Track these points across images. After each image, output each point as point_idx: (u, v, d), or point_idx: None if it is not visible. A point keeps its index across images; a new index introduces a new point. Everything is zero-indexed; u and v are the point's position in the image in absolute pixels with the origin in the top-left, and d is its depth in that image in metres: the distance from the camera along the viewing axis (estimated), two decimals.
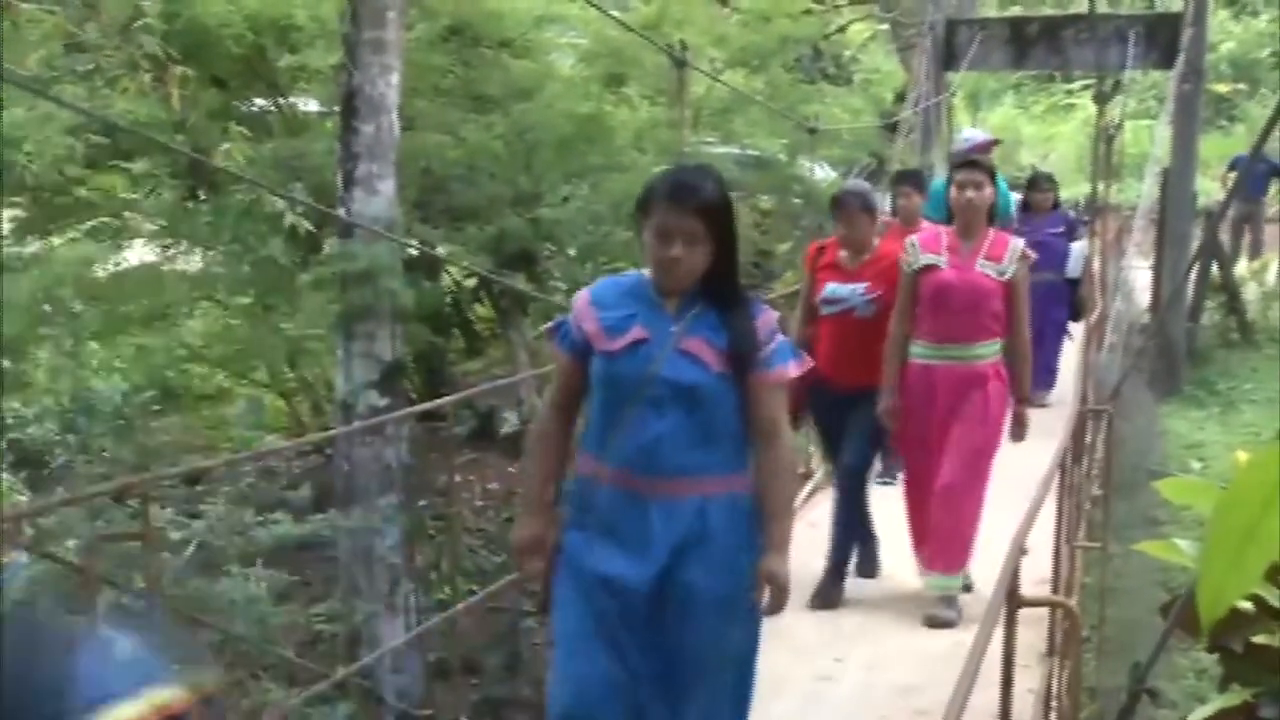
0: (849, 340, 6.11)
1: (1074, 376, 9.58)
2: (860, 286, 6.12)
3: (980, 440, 5.76)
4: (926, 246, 5.84)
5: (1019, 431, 5.89)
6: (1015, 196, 10.32)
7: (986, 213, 5.80)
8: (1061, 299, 10.46)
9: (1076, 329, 10.72)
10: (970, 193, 5.74)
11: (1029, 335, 5.87)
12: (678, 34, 9.65)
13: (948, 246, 5.80)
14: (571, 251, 11.26)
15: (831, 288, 6.20)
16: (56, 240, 10.48)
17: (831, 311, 6.22)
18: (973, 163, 6.02)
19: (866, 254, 6.18)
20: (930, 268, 5.76)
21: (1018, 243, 5.85)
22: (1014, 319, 5.76)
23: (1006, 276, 5.71)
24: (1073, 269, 10.49)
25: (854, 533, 6.28)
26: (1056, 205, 10.84)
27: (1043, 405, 9.35)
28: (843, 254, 6.26)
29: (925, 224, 7.49)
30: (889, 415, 5.90)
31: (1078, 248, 10.54)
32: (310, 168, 9.54)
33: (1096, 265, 11.21)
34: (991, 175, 5.86)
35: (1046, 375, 10.15)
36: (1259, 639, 3.05)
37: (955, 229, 5.86)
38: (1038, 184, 10.92)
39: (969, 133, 10.64)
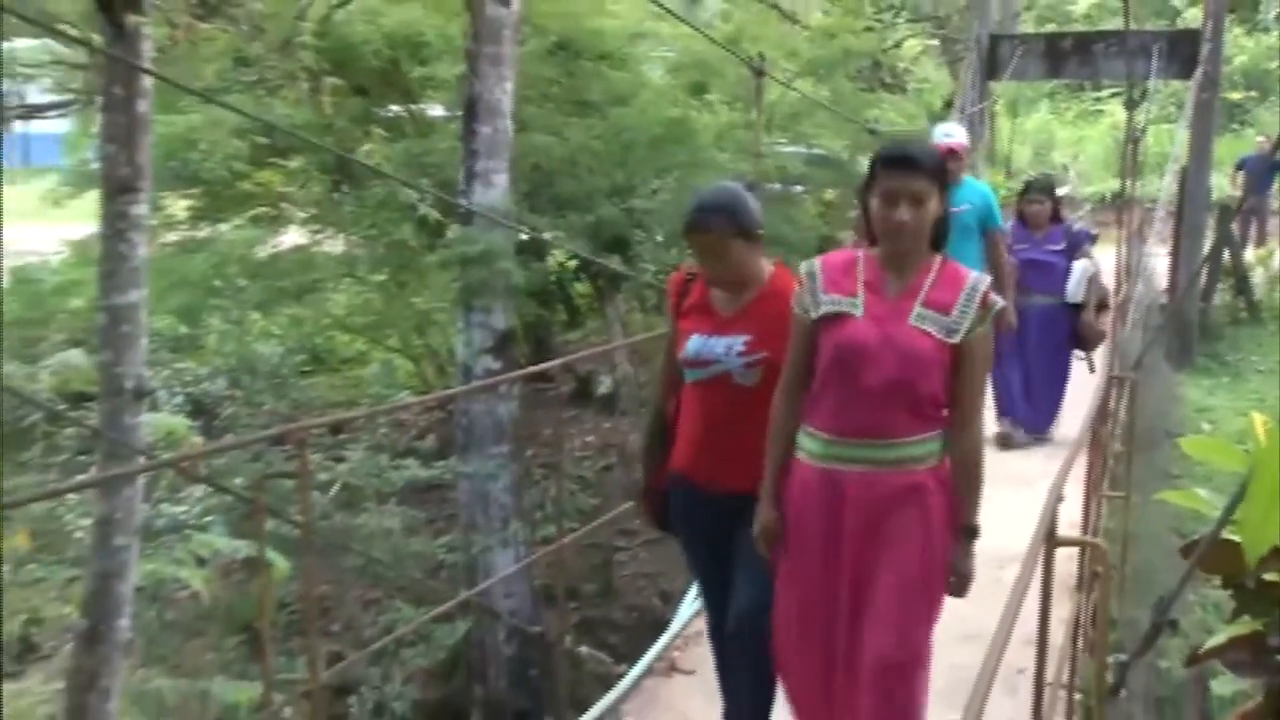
0: (724, 420, 3.51)
1: (1083, 414, 7.25)
2: (737, 341, 3.46)
3: (919, 593, 3.16)
4: (833, 281, 3.17)
5: (959, 581, 3.21)
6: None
7: (930, 235, 3.15)
8: (1061, 326, 7.90)
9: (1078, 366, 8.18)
10: (904, 213, 3.06)
11: (982, 431, 3.26)
12: (754, 48, 9.57)
13: (866, 282, 3.15)
14: (659, 237, 11.24)
15: (696, 342, 3.53)
16: (225, 226, 10.67)
17: (698, 377, 3.55)
18: (909, 160, 3.10)
19: (750, 291, 3.53)
20: (837, 317, 3.13)
21: (978, 281, 3.15)
22: (963, 403, 3.15)
23: (957, 337, 3.07)
24: (1073, 293, 7.83)
25: (769, 695, 3.56)
26: (1057, 217, 7.94)
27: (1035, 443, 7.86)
28: (715, 292, 3.59)
29: None
30: (766, 538, 3.31)
31: (1080, 267, 7.86)
32: (436, 164, 9.61)
33: (1112, 273, 9.03)
34: (940, 181, 3.13)
35: (1040, 416, 8.00)
36: (1269, 576, 3.00)
37: (880, 256, 3.18)
38: (1031, 193, 7.87)
39: (947, 127, 7.48)
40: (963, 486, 3.17)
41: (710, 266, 3.51)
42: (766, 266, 3.56)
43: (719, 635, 3.78)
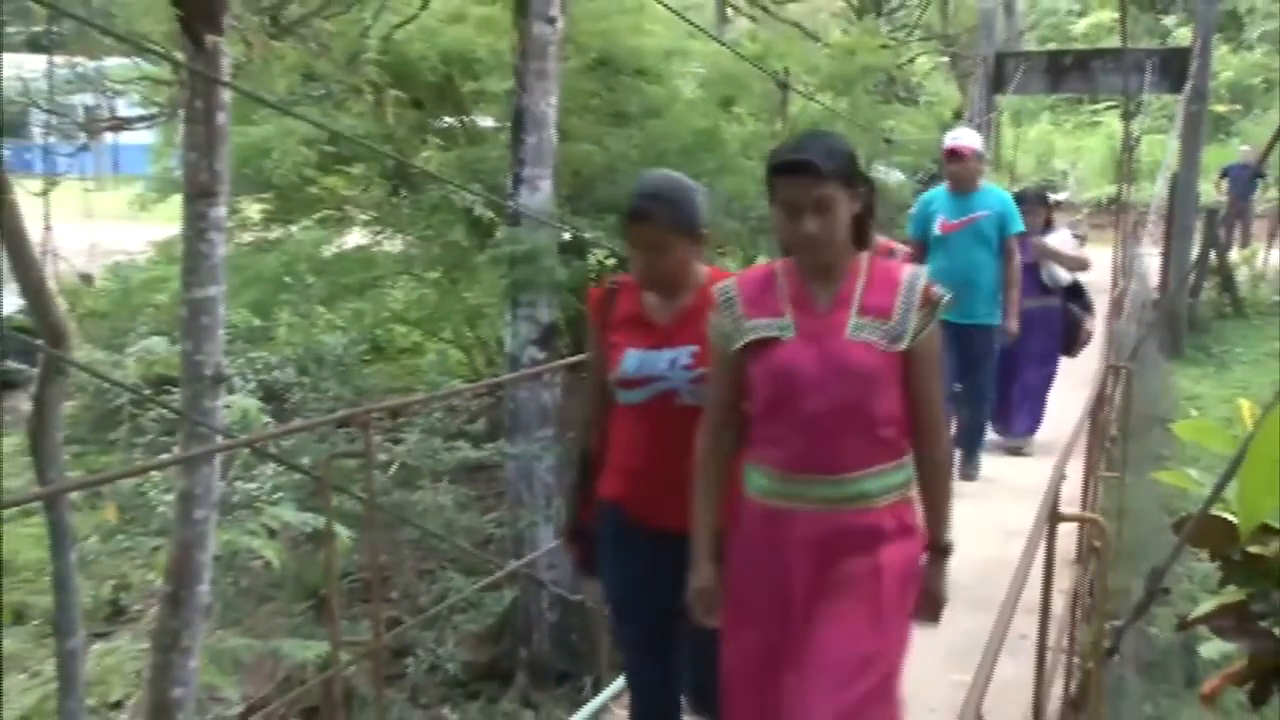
0: (669, 447, 2.73)
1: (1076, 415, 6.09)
2: (683, 353, 2.76)
3: (877, 644, 2.48)
4: (753, 302, 2.54)
5: (930, 609, 2.63)
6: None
7: (852, 235, 2.51)
8: (1051, 328, 7.18)
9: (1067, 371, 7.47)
10: (809, 225, 2.43)
11: (949, 441, 2.85)
12: (780, 64, 9.52)
13: (791, 298, 2.52)
14: None
15: (635, 358, 2.82)
16: (294, 228, 10.71)
17: (635, 399, 2.82)
18: (804, 166, 2.42)
19: (687, 296, 2.83)
20: (765, 343, 2.50)
21: (915, 276, 2.54)
22: (921, 413, 2.53)
23: (903, 343, 2.46)
24: (1053, 239, 7.12)
25: None
26: (1049, 225, 7.23)
27: (1024, 453, 7.23)
28: (648, 299, 2.88)
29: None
30: (703, 603, 2.64)
31: (1054, 241, 7.17)
32: (487, 170, 9.61)
33: (1108, 271, 8.72)
34: (848, 178, 2.46)
35: (1028, 419, 7.30)
36: (1254, 549, 2.98)
37: (798, 267, 2.54)
38: (1024, 203, 6.62)
39: (956, 132, 6.75)
40: (930, 502, 2.59)
41: (647, 263, 2.79)
42: (703, 269, 2.86)
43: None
